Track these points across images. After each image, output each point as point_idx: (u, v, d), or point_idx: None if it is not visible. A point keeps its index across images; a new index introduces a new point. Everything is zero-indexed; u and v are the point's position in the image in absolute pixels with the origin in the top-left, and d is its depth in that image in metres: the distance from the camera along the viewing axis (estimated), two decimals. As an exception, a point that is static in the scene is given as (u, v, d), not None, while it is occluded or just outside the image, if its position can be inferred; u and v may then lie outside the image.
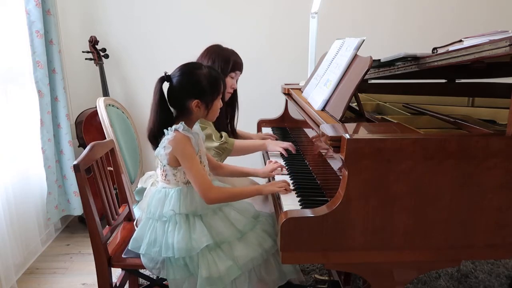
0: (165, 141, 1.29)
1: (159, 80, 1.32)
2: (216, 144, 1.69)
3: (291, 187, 1.39)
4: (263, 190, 1.40)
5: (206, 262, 1.29)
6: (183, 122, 1.31)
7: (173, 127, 1.30)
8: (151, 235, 1.34)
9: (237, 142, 1.78)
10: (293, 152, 1.73)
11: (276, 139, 2.04)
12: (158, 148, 1.33)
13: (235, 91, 1.89)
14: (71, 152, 2.50)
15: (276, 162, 1.56)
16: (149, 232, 1.35)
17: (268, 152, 1.82)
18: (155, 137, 1.34)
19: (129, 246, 1.41)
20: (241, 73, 1.85)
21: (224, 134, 1.76)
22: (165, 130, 1.31)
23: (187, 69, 1.35)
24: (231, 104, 1.94)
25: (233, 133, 1.99)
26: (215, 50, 1.79)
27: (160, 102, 1.32)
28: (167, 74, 1.33)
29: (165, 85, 1.33)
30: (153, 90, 1.32)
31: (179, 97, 1.33)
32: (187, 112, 1.34)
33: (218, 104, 1.38)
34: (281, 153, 1.74)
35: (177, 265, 1.32)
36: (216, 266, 1.28)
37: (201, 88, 1.32)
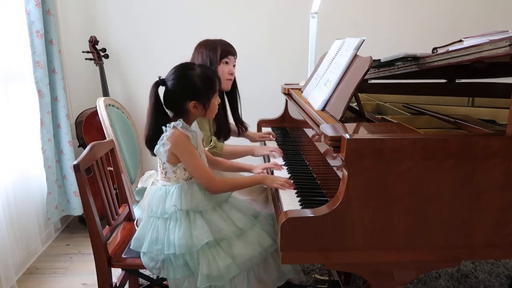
0: (163, 138, 1.30)
1: (154, 84, 1.34)
2: (205, 149, 1.70)
3: (292, 189, 1.38)
4: (265, 181, 1.42)
5: (207, 259, 1.29)
6: (181, 120, 1.32)
7: (172, 124, 1.31)
8: (152, 233, 1.35)
9: (226, 146, 1.79)
10: (275, 157, 1.73)
11: (276, 138, 2.05)
12: (157, 146, 1.34)
13: (234, 79, 1.86)
14: (71, 152, 2.50)
15: (275, 163, 1.59)
16: (151, 230, 1.36)
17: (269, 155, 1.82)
18: (152, 142, 1.35)
19: (131, 246, 1.41)
20: (235, 57, 1.81)
21: (213, 138, 1.77)
22: (163, 127, 1.32)
23: (181, 72, 1.35)
24: (232, 93, 1.91)
25: (240, 123, 1.97)
26: (202, 44, 1.79)
27: (156, 106, 1.34)
28: (161, 78, 1.34)
29: (161, 89, 1.34)
30: (149, 95, 1.33)
31: (176, 100, 1.34)
32: (185, 114, 1.36)
33: (216, 102, 1.39)
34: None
35: (177, 264, 1.32)
36: (216, 264, 1.29)
37: (196, 89, 1.33)
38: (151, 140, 1.35)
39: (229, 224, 1.37)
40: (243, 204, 1.47)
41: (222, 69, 1.76)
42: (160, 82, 1.34)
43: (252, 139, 2.10)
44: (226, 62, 1.77)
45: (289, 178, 1.50)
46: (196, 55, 1.78)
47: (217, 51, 1.75)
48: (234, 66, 1.82)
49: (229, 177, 1.47)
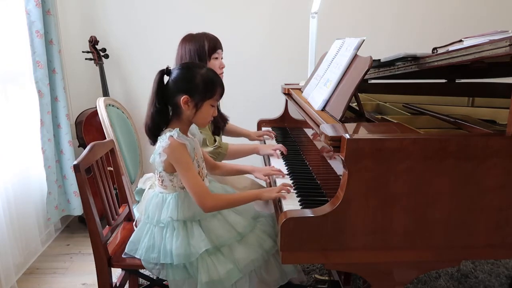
0: (159, 148, 1.28)
1: (159, 72, 1.31)
2: (210, 149, 1.69)
3: (292, 190, 1.37)
4: (262, 195, 1.35)
5: (206, 266, 1.28)
6: (178, 129, 1.29)
7: (167, 134, 1.28)
8: (149, 240, 1.34)
9: (231, 146, 1.77)
10: (285, 153, 1.73)
11: (276, 138, 2.05)
12: (153, 155, 1.32)
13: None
14: (71, 152, 2.51)
15: (279, 170, 1.54)
16: (147, 236, 1.35)
17: (268, 156, 1.81)
18: (150, 131, 1.33)
19: (126, 249, 1.40)
20: (222, 50, 1.77)
21: (218, 138, 1.75)
22: (159, 137, 1.31)
23: (187, 65, 1.35)
24: None
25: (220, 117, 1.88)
26: (187, 40, 1.73)
27: (157, 93, 1.31)
28: (168, 68, 1.33)
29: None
30: (152, 81, 1.31)
31: (172, 91, 1.31)
32: (177, 109, 1.32)
33: (210, 109, 1.33)
34: (282, 153, 1.74)
35: (177, 267, 1.31)
36: (216, 270, 1.27)
37: (193, 84, 1.29)
38: (150, 129, 1.33)
39: (228, 230, 1.35)
40: (243, 206, 1.44)
41: (213, 65, 1.72)
42: (166, 71, 1.32)
43: (250, 138, 2.09)
44: (216, 58, 1.73)
45: (289, 178, 1.50)
46: (182, 52, 1.71)
47: (205, 46, 1.70)
48: (222, 58, 1.79)
49: (223, 194, 1.43)
